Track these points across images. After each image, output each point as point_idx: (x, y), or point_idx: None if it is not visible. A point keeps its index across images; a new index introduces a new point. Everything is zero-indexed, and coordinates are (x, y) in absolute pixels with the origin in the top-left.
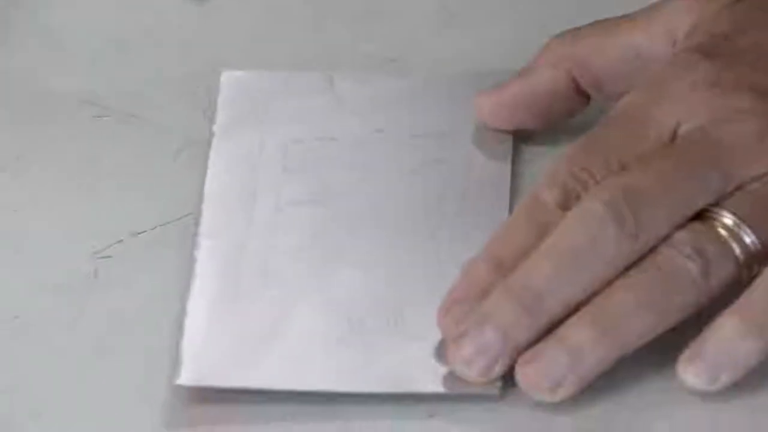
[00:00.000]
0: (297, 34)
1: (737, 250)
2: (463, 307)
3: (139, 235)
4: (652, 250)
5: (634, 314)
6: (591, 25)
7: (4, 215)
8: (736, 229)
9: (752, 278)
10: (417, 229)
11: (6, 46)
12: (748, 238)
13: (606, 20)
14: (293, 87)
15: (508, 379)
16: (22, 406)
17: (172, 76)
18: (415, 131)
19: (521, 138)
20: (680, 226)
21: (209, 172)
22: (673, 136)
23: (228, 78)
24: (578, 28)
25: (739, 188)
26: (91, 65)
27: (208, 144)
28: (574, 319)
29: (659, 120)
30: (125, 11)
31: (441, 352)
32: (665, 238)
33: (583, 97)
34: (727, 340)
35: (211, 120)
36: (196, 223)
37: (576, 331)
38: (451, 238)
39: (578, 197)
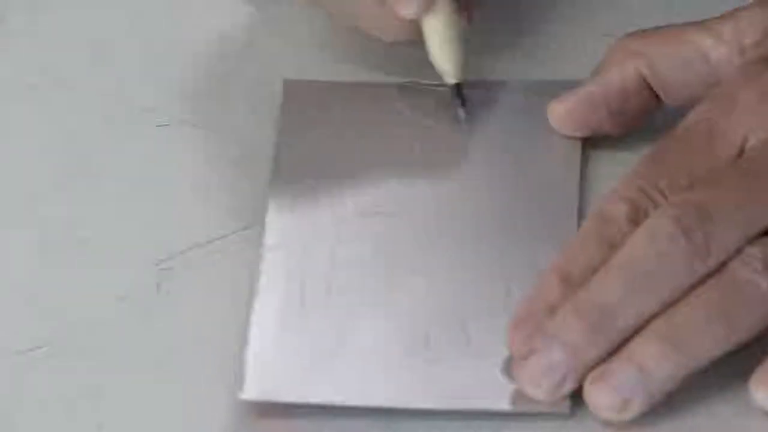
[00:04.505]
0: (359, 43)
1: None
2: (531, 324)
3: (202, 246)
4: (723, 265)
5: (704, 330)
6: (660, 27)
7: (66, 226)
8: None
9: None
10: (484, 242)
11: (65, 54)
12: None
13: (675, 24)
14: (356, 97)
15: (577, 397)
16: (84, 416)
17: (233, 83)
18: (484, 141)
19: (590, 145)
20: (751, 241)
21: (272, 182)
22: (742, 150)
23: (289, 86)
24: (647, 30)
25: None
26: (152, 73)
27: (270, 152)
28: (642, 336)
29: (727, 133)
30: (187, 17)
31: (508, 368)
32: (735, 253)
33: (654, 95)
34: None
35: (272, 128)
36: (261, 236)
37: (645, 348)
38: (519, 251)
39: (647, 212)
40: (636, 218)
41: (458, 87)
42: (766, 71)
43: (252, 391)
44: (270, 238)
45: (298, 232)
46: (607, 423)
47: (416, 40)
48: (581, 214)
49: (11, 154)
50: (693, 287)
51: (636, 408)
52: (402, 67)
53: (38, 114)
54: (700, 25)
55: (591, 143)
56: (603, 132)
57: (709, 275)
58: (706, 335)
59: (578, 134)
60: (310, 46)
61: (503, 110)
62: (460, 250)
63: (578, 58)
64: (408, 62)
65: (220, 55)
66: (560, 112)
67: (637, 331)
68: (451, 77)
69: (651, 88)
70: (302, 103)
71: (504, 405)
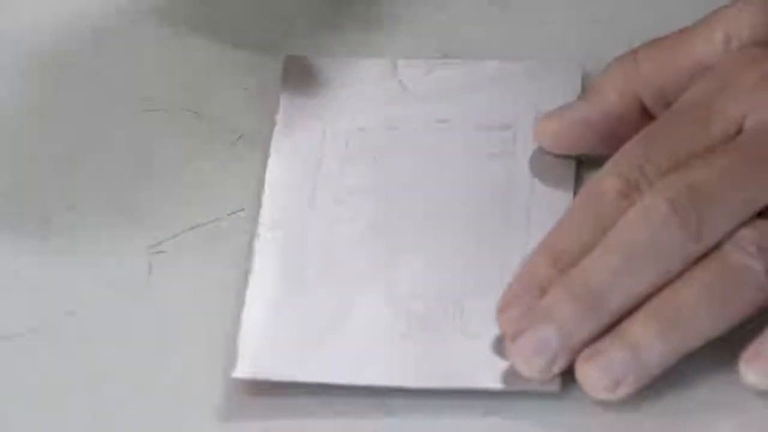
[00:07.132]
0: (351, 24)
1: None
2: (521, 303)
3: (194, 230)
4: (716, 247)
5: (697, 311)
6: (651, 42)
7: (59, 210)
8: None
9: None
10: (480, 221)
11: (56, 38)
12: None
13: (665, 36)
14: (355, 73)
15: (567, 376)
16: (77, 400)
17: (225, 66)
18: (479, 121)
19: None
20: (745, 223)
21: (270, 160)
22: (739, 130)
23: (290, 62)
24: (639, 48)
25: None
26: (142, 57)
27: (263, 136)
28: (635, 316)
29: (725, 113)
30: (178, 1)
31: (500, 348)
32: (729, 235)
33: (650, 118)
34: None
35: (265, 112)
36: (257, 214)
37: (637, 328)
38: (515, 230)
39: (639, 189)
40: (628, 193)
41: None
42: (763, 54)
43: (245, 369)
44: (266, 216)
45: (294, 210)
46: (598, 402)
47: None
48: (577, 191)
49: (9, 138)
50: (686, 268)
51: (627, 388)
52: (397, 44)
53: (35, 99)
54: (690, 31)
55: None
56: (591, 153)
57: (703, 256)
58: (699, 317)
59: (565, 153)
60: (304, 25)
61: (499, 90)
62: (456, 230)
63: (567, 45)
64: (396, 46)
65: (211, 36)
66: (549, 132)
67: (629, 311)
68: None
69: (647, 112)
70: (301, 79)
71: (495, 384)
